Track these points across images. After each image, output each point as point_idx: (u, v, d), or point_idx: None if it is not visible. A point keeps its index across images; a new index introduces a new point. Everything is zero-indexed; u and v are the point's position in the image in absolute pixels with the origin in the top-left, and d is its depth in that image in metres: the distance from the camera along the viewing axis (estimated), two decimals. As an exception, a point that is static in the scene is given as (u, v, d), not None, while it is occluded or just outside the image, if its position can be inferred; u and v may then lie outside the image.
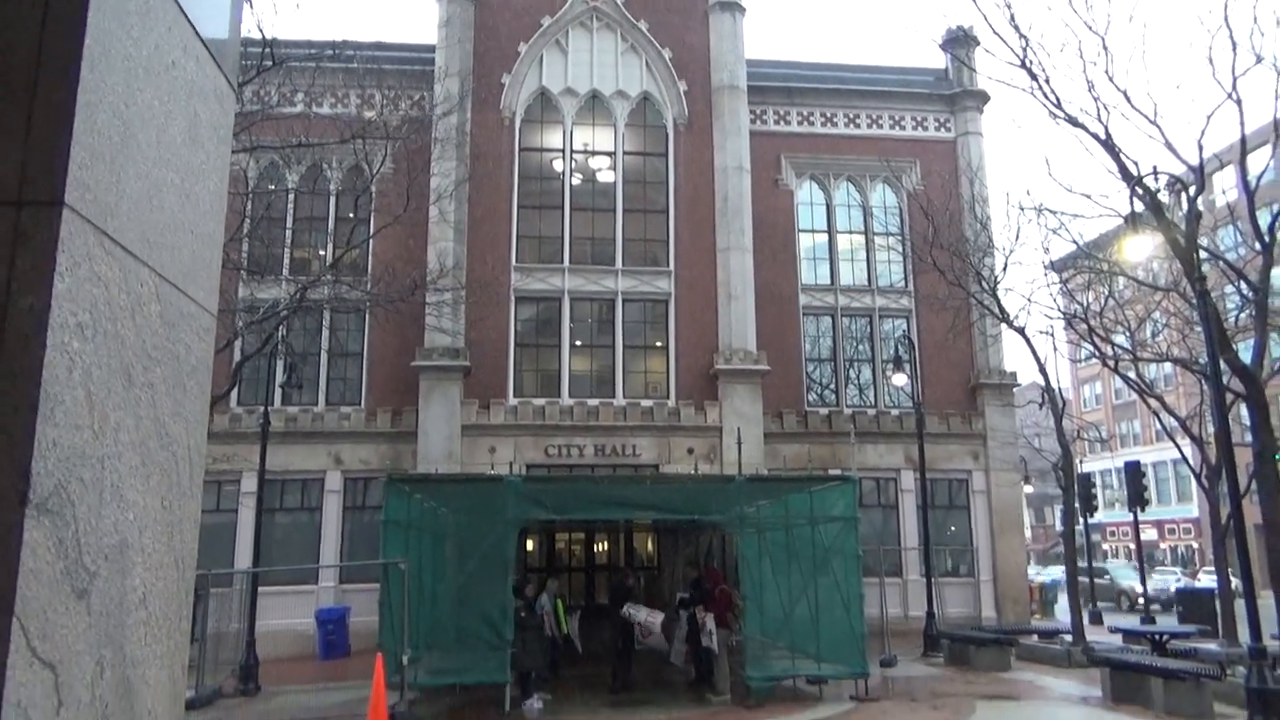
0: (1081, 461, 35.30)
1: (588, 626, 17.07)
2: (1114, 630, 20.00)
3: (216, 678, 16.76)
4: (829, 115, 27.80)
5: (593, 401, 24.06)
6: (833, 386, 26.63)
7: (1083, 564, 29.30)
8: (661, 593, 22.46)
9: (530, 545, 24.38)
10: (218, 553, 21.19)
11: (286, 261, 24.27)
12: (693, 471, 21.20)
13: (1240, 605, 17.22)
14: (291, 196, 24.52)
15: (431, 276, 21.01)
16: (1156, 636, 17.24)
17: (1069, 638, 18.77)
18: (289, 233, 24.16)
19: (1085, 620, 20.39)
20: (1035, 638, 20.00)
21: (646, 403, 24.25)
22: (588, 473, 22.26)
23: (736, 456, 21.51)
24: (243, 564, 20.77)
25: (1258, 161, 22.53)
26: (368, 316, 23.16)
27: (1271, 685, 11.06)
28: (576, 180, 25.67)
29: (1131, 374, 22.46)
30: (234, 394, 22.85)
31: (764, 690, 13.59)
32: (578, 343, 25.07)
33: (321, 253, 24.43)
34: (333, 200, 25.21)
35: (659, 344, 25.23)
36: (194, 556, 2.06)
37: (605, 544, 27.16)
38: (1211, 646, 17.22)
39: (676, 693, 14.95)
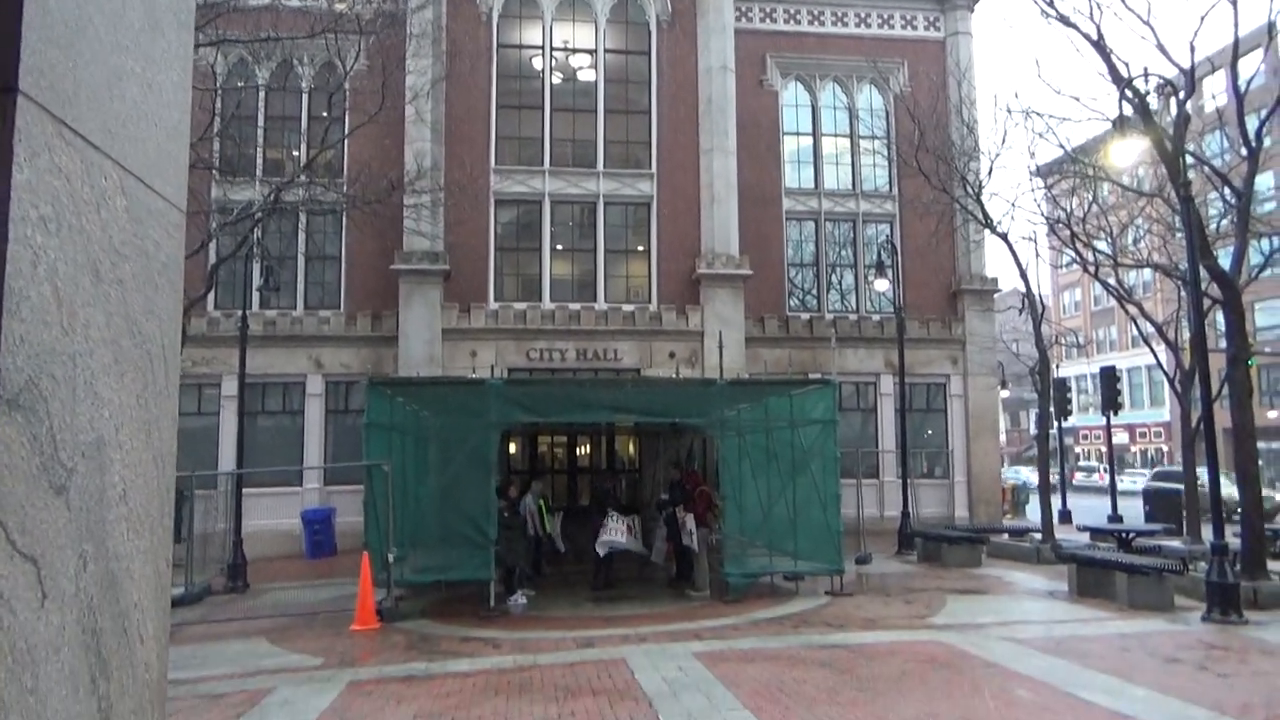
0: (1058, 367, 35.78)
1: (570, 526, 17.37)
2: (1082, 529, 20.57)
3: (205, 576, 16.99)
4: (816, 13, 27.09)
5: (574, 306, 24.01)
6: (815, 292, 26.67)
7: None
8: (643, 494, 22.88)
9: (513, 448, 24.62)
10: (202, 456, 21.29)
11: (259, 162, 23.76)
12: (674, 375, 21.30)
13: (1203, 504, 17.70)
14: (262, 94, 23.84)
15: (409, 178, 20.62)
16: (1123, 535, 17.78)
17: (1039, 536, 19.29)
18: (261, 132, 23.57)
19: (1055, 519, 20.93)
20: (1006, 536, 20.55)
21: (628, 307, 24.22)
22: (569, 376, 22.35)
23: (718, 361, 21.64)
24: (227, 467, 20.93)
25: (1249, 65, 22.21)
26: (345, 219, 22.82)
27: (1230, 579, 11.46)
28: (557, 80, 25.06)
29: (1111, 280, 22.57)
30: (211, 297, 22.68)
31: (742, 587, 13.90)
32: (559, 247, 24.87)
33: (295, 153, 23.93)
34: (305, 99, 24.56)
35: (641, 248, 25.07)
36: (173, 454, 2.06)
37: (587, 447, 27.47)
38: (1175, 544, 17.68)
39: (657, 589, 15.27)
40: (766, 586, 14.74)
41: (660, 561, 16.25)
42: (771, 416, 15.57)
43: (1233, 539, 13.26)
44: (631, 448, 26.41)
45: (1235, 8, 13.62)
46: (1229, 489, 19.96)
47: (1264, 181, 35.21)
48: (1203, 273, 13.56)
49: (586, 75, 25.21)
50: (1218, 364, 15.28)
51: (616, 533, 14.66)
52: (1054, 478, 26.83)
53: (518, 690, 8.44)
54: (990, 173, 20.88)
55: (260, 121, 23.58)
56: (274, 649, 11.04)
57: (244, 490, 18.64)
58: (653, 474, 21.97)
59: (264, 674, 9.59)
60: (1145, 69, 13.86)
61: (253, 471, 19.67)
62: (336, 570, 18.45)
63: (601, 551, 14.80)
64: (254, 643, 11.51)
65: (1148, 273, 32.44)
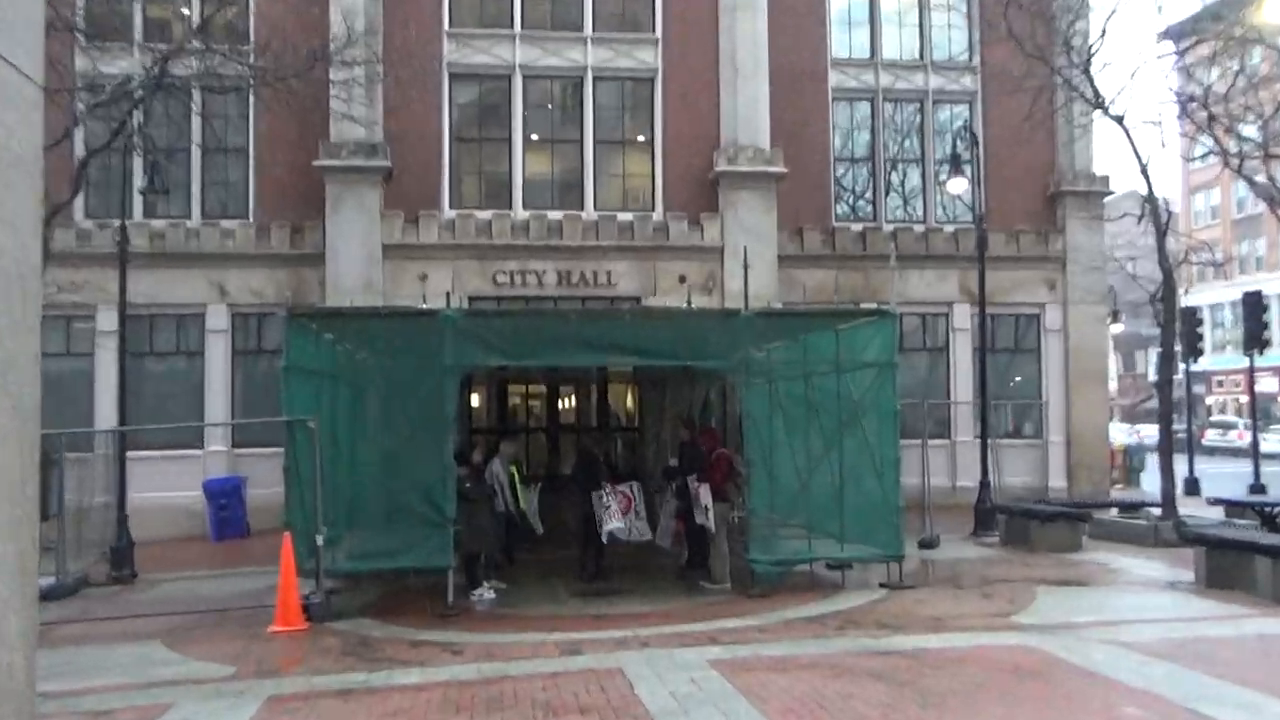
0: (1187, 291, 35.66)
1: (550, 501, 17.50)
2: (1214, 502, 20.56)
3: (82, 563, 17.11)
4: None
5: (555, 214, 23.95)
6: (869, 195, 26.55)
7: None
8: (645, 460, 22.98)
9: (476, 400, 24.77)
10: (74, 409, 21.46)
11: (139, 23, 23.51)
12: (685, 305, 21.26)
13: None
14: (140, -69, 23.46)
15: (335, 45, 20.29)
16: (1268, 510, 17.74)
17: (1157, 512, 19.31)
18: (140, -17, 23.26)
19: (1178, 491, 21.03)
20: (1114, 512, 20.63)
21: (625, 216, 24.16)
22: (549, 306, 22.37)
23: (742, 286, 21.61)
24: (106, 423, 21.07)
25: None
26: (253, 100, 22.55)
27: None
28: (530, -89, 24.70)
29: (1260, 177, 22.35)
30: (80, 202, 22.51)
31: (772, 577, 14.01)
32: (534, 137, 24.75)
33: (185, 11, 23.53)
34: (198, -63, 24.11)
35: (641, 138, 24.92)
36: (36, 402, 2.05)
37: (572, 399, 27.68)
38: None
39: (663, 581, 15.37)
40: (804, 577, 14.86)
41: (667, 545, 16.38)
42: (812, 358, 15.56)
43: None
44: (629, 400, 26.61)
45: None
46: None
47: None
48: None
49: (569, -94, 24.83)
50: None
51: (615, 515, 14.86)
52: (1179, 437, 26.96)
53: (484, 708, 8.51)
54: (1103, 35, 20.48)
55: (138, -32, 23.23)
56: (172, 655, 11.10)
57: (128, 453, 18.77)
58: (657, 434, 22.19)
59: (160, 686, 9.62)
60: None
61: (140, 430, 19.78)
62: (250, 556, 18.61)
63: (605, 538, 15.12)
64: (147, 647, 11.56)
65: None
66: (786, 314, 18.91)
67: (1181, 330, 26.63)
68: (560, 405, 27.90)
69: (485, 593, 13.83)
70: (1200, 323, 32.19)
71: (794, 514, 15.34)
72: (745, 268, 21.84)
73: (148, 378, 23.07)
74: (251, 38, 22.66)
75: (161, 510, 21.91)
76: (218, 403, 23.39)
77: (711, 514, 14.62)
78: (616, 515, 14.86)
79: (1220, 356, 58.97)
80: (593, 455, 16.65)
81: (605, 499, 14.96)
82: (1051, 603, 12.92)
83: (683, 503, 15.54)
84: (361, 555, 14.62)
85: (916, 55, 26.78)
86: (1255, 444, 28.55)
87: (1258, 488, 25.66)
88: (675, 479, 15.92)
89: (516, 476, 16.23)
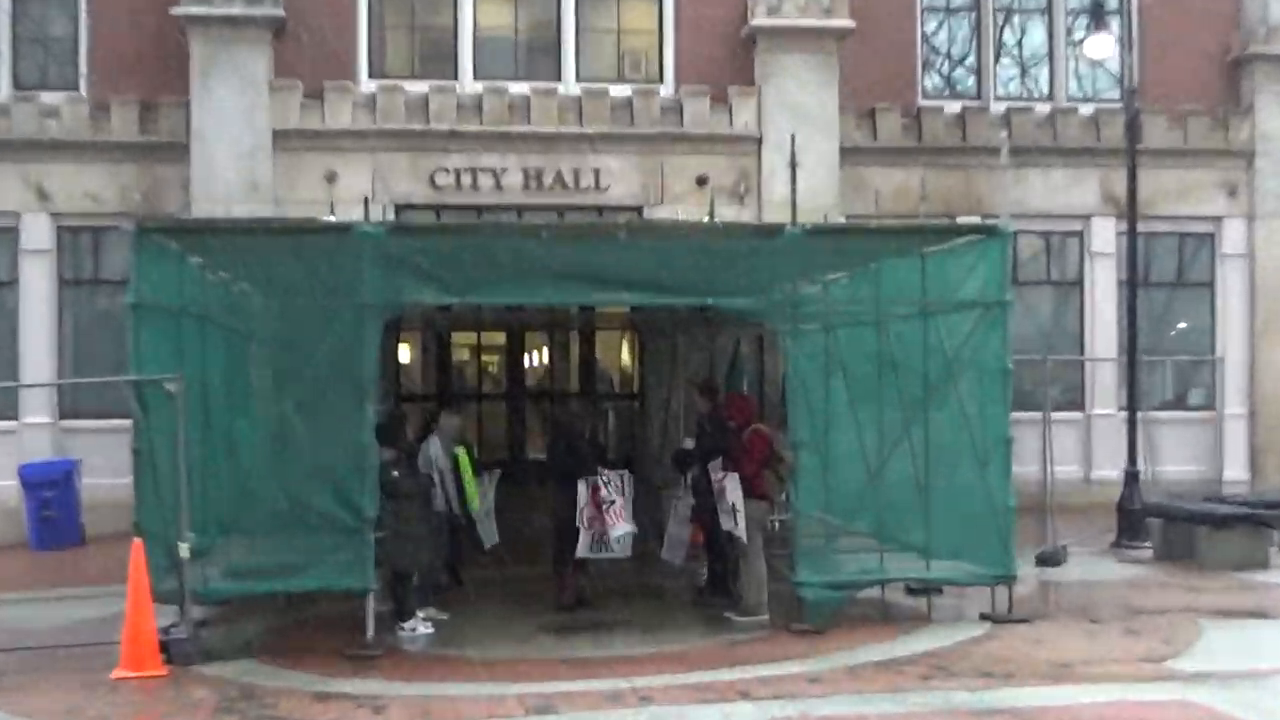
0: None
1: (513, 497, 17.51)
2: None
3: None
4: None
5: (518, 88, 23.89)
6: (972, 61, 26.31)
7: None
8: (646, 441, 23.00)
9: (407, 354, 24.71)
10: None
11: None
12: (706, 219, 21.06)
13: None
14: None
15: None
16: None
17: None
18: None
19: None
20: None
21: (620, 91, 24.11)
22: (510, 220, 22.32)
23: (788, 192, 21.56)
24: None
25: None
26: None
27: None
28: None
29: None
30: None
31: (828, 606, 13.84)
32: (491, -26, 24.55)
33: None
34: None
35: (645, -23, 24.67)
36: None
37: (543, 354, 27.45)
38: None
39: (672, 610, 15.39)
40: (872, 606, 14.83)
41: (677, 561, 16.44)
42: (887, 295, 15.37)
43: None
44: (625, 356, 26.40)
45: None
46: None
47: None
48: None
49: None
50: None
51: (619, 515, 14.95)
52: None
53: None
54: None
55: None
56: (-24, 711, 11.05)
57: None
58: (664, 404, 21.92)
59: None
60: None
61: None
62: (84, 571, 18.60)
63: (585, 552, 15.15)
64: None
65: None
66: (851, 231, 18.65)
67: None
68: (526, 363, 27.64)
69: (420, 626, 13.84)
70: None
71: (858, 517, 15.32)
72: (793, 165, 21.76)
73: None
74: None
75: (-42, 507, 21.83)
76: (37, 353, 23.31)
77: (742, 518, 14.52)
78: (622, 515, 14.89)
79: None
80: (574, 431, 16.54)
81: (605, 490, 14.95)
82: (1224, 642, 12.82)
83: (701, 501, 15.50)
84: (245, 573, 14.38)
85: None
86: None
87: None
88: (691, 468, 15.87)
89: (465, 462, 16.13)
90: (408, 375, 24.96)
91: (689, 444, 16.60)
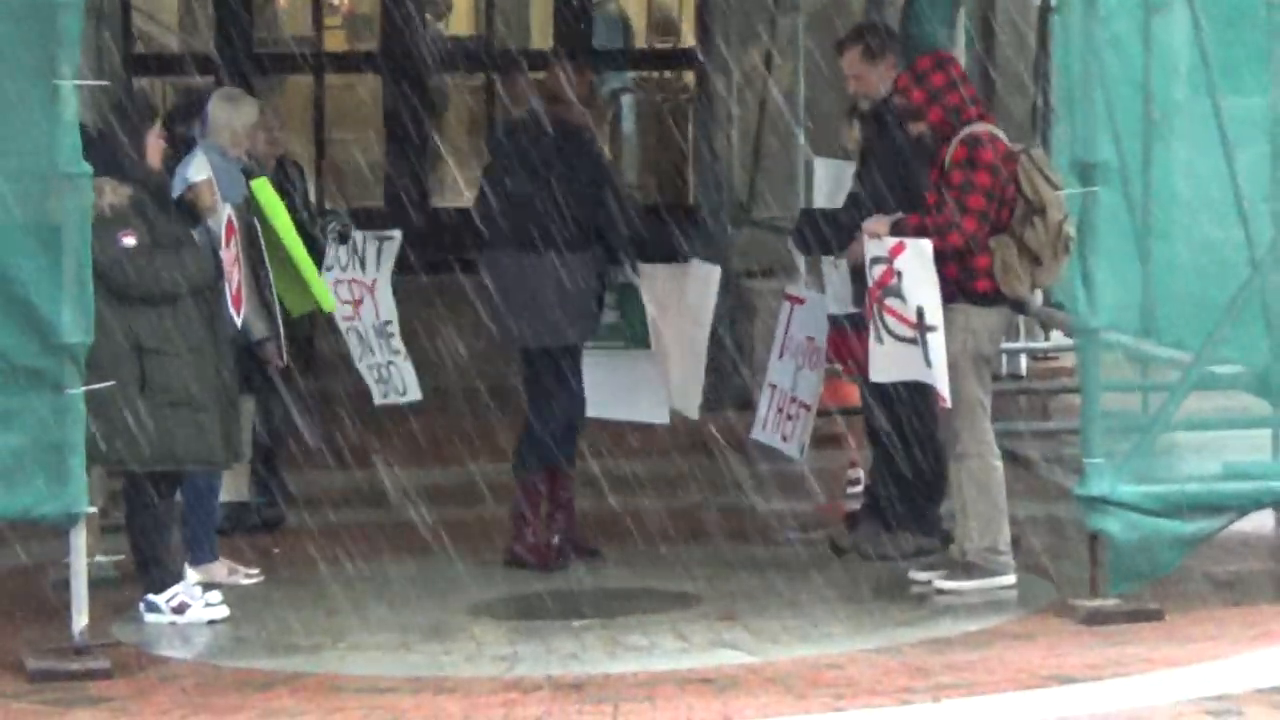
0: None
1: (428, 302, 15.12)
2: None
3: None
4: None
5: None
6: None
7: None
8: (716, 178, 18.48)
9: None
10: None
11: None
12: None
13: None
14: None
15: None
16: None
17: None
18: None
19: None
20: None
21: None
22: None
23: None
24: None
25: None
26: None
27: None
28: None
29: None
30: None
31: (1160, 559, 9.16)
32: None
33: None
34: None
35: None
36: None
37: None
38: None
39: (778, 567, 10.82)
40: (1239, 548, 10.47)
41: (796, 455, 11.45)
42: None
43: None
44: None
45: None
46: None
47: None
48: None
49: None
50: None
51: (696, 348, 11.25)
52: None
53: None
54: None
55: None
56: None
57: None
58: (752, 79, 17.58)
59: None
60: None
61: None
62: None
63: (594, 411, 11.35)
64: None
65: None
66: None
67: None
68: None
69: (192, 599, 9.34)
70: None
71: (1220, 344, 9.78)
72: None
73: None
74: None
75: None
76: None
77: (941, 348, 9.29)
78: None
79: None
80: (588, 147, 11.39)
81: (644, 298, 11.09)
82: None
83: (851, 319, 10.53)
84: None
85: None
86: None
87: None
88: (829, 243, 10.69)
89: (274, 208, 10.56)
90: (152, 8, 20.08)
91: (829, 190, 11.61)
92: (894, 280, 9.31)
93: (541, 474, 10.88)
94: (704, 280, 10.96)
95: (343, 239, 12.02)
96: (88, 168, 8.16)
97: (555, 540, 10.77)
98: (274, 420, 11.89)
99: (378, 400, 12.47)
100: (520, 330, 10.71)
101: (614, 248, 10.73)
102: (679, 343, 11.01)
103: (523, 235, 10.40)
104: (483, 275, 10.95)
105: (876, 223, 9.46)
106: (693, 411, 11.32)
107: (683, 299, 10.95)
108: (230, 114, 11.33)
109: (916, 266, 9.07)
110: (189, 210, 9.60)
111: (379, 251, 12.04)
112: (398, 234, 12.58)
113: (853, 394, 11.63)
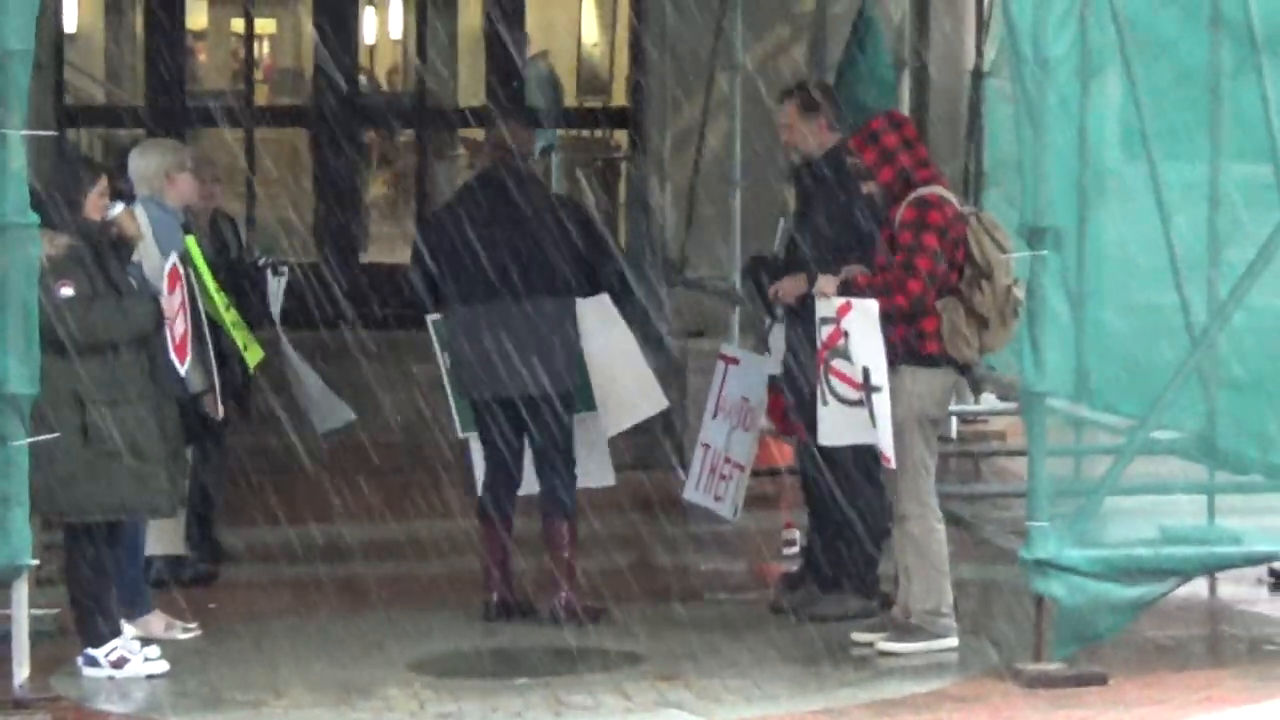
0: None
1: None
2: None
3: None
4: None
5: None
6: None
7: None
8: (649, 229, 18.19)
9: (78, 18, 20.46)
10: None
11: None
12: None
13: None
14: None
15: None
16: None
17: None
18: None
19: None
20: None
21: None
22: None
23: None
24: None
25: None
26: None
27: None
28: None
29: None
30: None
31: (1105, 622, 9.23)
32: None
33: None
34: None
35: None
36: None
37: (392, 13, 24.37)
38: None
39: (719, 626, 10.80)
40: (1178, 614, 10.43)
41: (729, 515, 11.66)
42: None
43: None
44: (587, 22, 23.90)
45: None
46: None
47: None
48: None
49: None
50: None
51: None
52: None
53: None
54: None
55: None
56: None
57: None
58: (690, 134, 17.21)
59: None
60: None
61: None
62: None
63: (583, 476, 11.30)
64: None
65: None
66: None
67: None
68: (359, 37, 21.07)
69: (130, 654, 9.13)
70: None
71: (1164, 408, 9.87)
72: None
73: None
74: None
75: None
76: None
77: (886, 410, 9.26)
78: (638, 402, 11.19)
79: None
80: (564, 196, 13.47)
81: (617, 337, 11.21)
82: None
83: (794, 373, 10.48)
84: None
85: None
86: None
87: None
88: (768, 284, 10.73)
89: (200, 266, 10.30)
90: (82, 60, 20.13)
91: (786, 232, 11.67)
92: (842, 341, 9.29)
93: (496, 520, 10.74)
94: (599, 310, 10.86)
95: (275, 271, 12.30)
96: (35, 217, 8.10)
97: (495, 598, 10.63)
98: (211, 473, 11.75)
99: (320, 430, 12.56)
100: (518, 380, 10.49)
101: (609, 286, 10.73)
102: (617, 361, 10.96)
103: (511, 284, 10.35)
104: (453, 330, 10.78)
105: (825, 282, 9.44)
106: (661, 402, 11.32)
107: (599, 333, 10.86)
108: (140, 163, 11.32)
109: (863, 326, 9.07)
110: (123, 250, 9.53)
111: (279, 277, 12.36)
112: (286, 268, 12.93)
113: (788, 454, 11.64)
